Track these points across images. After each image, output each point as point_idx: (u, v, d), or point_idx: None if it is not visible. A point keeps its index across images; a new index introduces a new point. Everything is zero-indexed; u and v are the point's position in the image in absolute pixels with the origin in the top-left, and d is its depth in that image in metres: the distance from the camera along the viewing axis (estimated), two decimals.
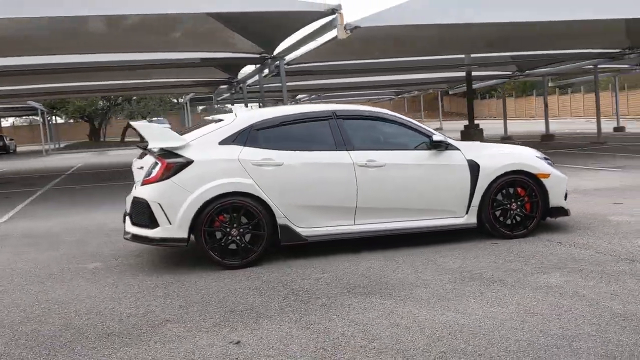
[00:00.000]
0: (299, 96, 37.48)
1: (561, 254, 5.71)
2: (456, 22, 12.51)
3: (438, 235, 6.44)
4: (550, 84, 32.74)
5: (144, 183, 5.93)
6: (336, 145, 6.21)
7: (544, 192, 6.51)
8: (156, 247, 6.55)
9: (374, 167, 6.15)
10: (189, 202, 5.72)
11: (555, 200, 6.57)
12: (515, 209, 6.47)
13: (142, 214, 5.88)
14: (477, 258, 5.71)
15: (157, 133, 5.96)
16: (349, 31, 11.15)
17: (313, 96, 37.83)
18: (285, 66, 15.23)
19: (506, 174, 6.43)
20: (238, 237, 5.81)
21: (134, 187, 6.61)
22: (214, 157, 5.90)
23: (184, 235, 5.74)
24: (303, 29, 12.98)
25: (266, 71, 16.81)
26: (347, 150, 6.19)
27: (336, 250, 6.19)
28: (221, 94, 26.07)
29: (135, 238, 6.02)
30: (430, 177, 6.31)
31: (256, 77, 18.04)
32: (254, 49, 15.94)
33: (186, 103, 37.32)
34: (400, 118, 6.58)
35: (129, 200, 6.27)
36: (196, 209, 5.72)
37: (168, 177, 5.76)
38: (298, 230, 5.97)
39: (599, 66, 21.11)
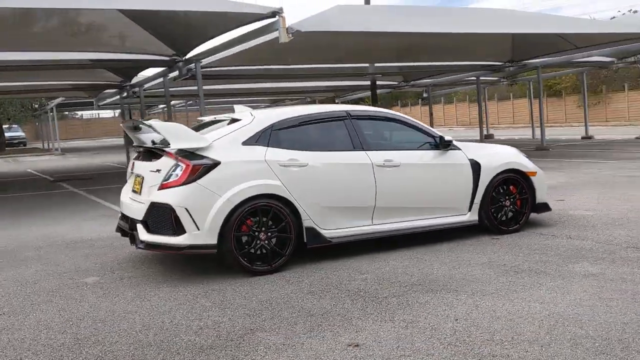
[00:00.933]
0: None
1: (567, 245, 6.11)
2: (382, 29, 12.93)
3: (432, 234, 6.58)
4: (424, 95, 34.74)
5: (163, 187, 5.51)
6: (353, 145, 6.19)
7: (532, 189, 6.95)
8: (150, 257, 6.08)
9: (390, 167, 6.21)
10: (219, 205, 5.41)
11: (540, 196, 7.04)
12: (508, 206, 6.84)
13: (164, 220, 5.46)
14: (496, 253, 5.95)
15: (180, 133, 5.58)
16: (290, 35, 11.09)
17: (190, 102, 36.70)
18: (202, 69, 14.74)
19: (502, 172, 6.78)
20: (266, 242, 5.58)
21: (130, 193, 6.12)
22: (241, 158, 5.63)
23: (214, 241, 5.41)
24: (232, 31, 12.70)
25: (174, 74, 16.21)
26: (364, 150, 6.20)
27: (346, 252, 6.15)
28: (104, 99, 24.60)
29: (154, 246, 5.57)
30: (439, 176, 6.49)
31: (159, 80, 17.27)
32: (165, 50, 15.30)
33: (52, 109, 34.61)
34: (407, 118, 6.72)
35: (135, 206, 5.79)
36: (227, 213, 5.41)
37: (194, 180, 5.40)
38: (323, 232, 5.86)
39: (481, 78, 22.76)
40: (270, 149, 5.78)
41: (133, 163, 6.36)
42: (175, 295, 5.08)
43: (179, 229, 5.38)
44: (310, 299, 4.76)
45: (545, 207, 7.12)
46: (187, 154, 5.51)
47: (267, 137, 5.84)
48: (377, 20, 13.48)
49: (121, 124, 6.89)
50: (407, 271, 5.43)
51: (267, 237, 5.58)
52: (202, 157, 5.50)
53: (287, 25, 10.94)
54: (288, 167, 5.75)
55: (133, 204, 5.93)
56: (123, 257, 6.61)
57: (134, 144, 6.71)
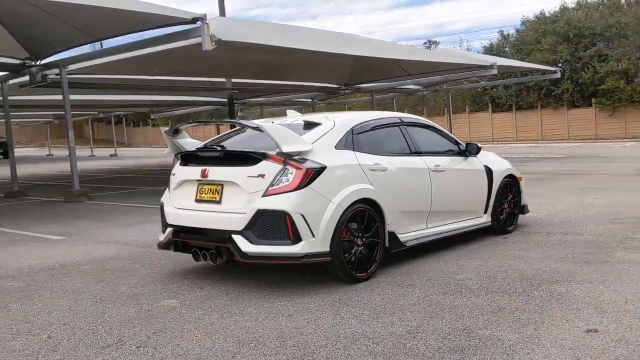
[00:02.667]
0: None
1: (578, 239, 6.89)
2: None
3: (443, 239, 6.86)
4: (240, 114, 34.95)
5: (271, 193, 5.06)
6: (410, 150, 6.33)
7: (519, 192, 7.73)
8: (213, 272, 5.50)
9: (439, 171, 6.46)
10: (331, 211, 5.15)
11: (524, 199, 7.86)
12: (507, 208, 7.52)
13: (276, 228, 5.03)
14: (534, 250, 6.49)
15: (287, 135, 5.20)
16: (214, 43, 10.63)
17: None
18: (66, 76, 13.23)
19: (505, 177, 7.44)
20: (362, 247, 5.43)
21: (194, 203, 5.48)
22: (340, 162, 5.43)
23: (327, 248, 5.13)
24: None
25: (22, 79, 14.33)
26: (419, 155, 6.36)
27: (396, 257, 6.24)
28: None
29: (262, 258, 5.09)
30: (468, 180, 6.92)
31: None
32: (15, 52, 13.48)
33: None
34: (438, 126, 7.03)
35: (218, 217, 5.22)
36: (338, 218, 5.17)
37: (307, 185, 5.09)
38: (400, 236, 5.88)
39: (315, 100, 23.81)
40: (357, 153, 5.67)
41: (182, 169, 5.77)
42: (303, 306, 4.71)
43: (295, 237, 4.99)
44: (466, 298, 4.79)
45: (526, 209, 7.95)
46: (294, 158, 5.14)
47: (351, 141, 5.72)
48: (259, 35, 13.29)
49: (165, 131, 6.09)
50: (501, 270, 5.65)
51: (362, 243, 5.44)
52: (310, 160, 5.19)
53: (210, 33, 10.49)
54: (375, 172, 5.69)
55: (209, 215, 5.32)
56: (182, 273, 5.81)
57: (170, 149, 6.02)
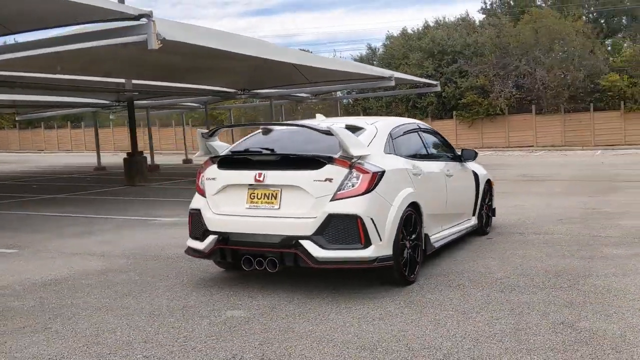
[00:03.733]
0: None
1: (557, 240, 7.48)
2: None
3: None
4: (111, 117, 33.02)
5: (339, 197, 4.99)
6: (428, 155, 6.53)
7: (492, 196, 8.27)
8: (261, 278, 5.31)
9: (450, 175, 6.74)
10: (393, 214, 5.20)
11: (494, 203, 8.40)
12: (485, 211, 8.00)
13: (347, 232, 4.97)
14: (530, 249, 6.96)
15: (352, 139, 5.13)
16: (160, 41, 10.09)
17: None
18: None
19: (485, 182, 7.92)
20: (410, 250, 5.53)
21: (244, 209, 5.25)
22: (393, 166, 5.49)
23: (390, 252, 5.15)
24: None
25: None
26: (434, 160, 6.59)
27: None
28: None
29: (335, 263, 5.02)
30: (465, 184, 7.27)
31: None
32: None
33: None
34: (440, 133, 7.28)
35: (281, 222, 5.05)
36: (398, 221, 5.23)
37: (373, 189, 5.09)
38: (430, 238, 6.05)
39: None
40: (400, 157, 5.74)
41: (224, 173, 5.50)
42: (382, 310, 4.71)
43: (366, 241, 4.96)
44: (527, 295, 5.06)
45: (495, 212, 8.50)
46: (360, 162, 5.11)
47: (392, 145, 5.80)
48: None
49: (201, 133, 5.68)
50: (527, 268, 6.00)
51: (409, 245, 5.53)
52: (372, 165, 5.18)
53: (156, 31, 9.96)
54: (416, 176, 5.80)
55: (266, 221, 5.12)
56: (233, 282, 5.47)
57: (202, 152, 5.70)
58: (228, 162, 5.57)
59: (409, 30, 41.12)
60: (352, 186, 5.04)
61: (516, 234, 7.93)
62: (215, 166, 5.57)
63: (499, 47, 35.18)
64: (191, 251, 5.64)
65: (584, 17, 40.03)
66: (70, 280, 6.05)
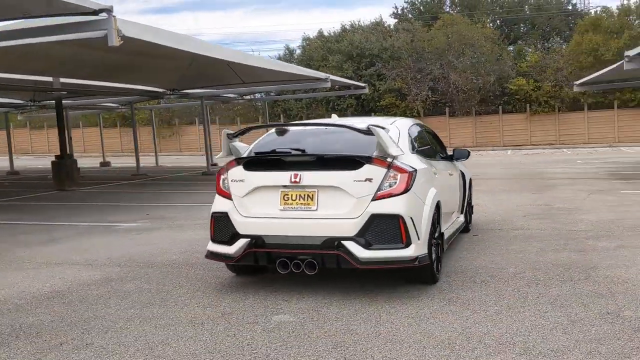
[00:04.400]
0: None
1: (539, 235, 7.81)
2: None
3: None
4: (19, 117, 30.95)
5: (380, 197, 4.98)
6: (435, 154, 6.63)
7: (471, 194, 8.53)
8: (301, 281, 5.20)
9: (451, 174, 6.88)
10: (427, 213, 5.26)
11: (472, 200, 8.67)
12: (467, 208, 8.23)
13: (390, 232, 4.96)
14: (522, 244, 7.23)
15: (388, 140, 5.09)
16: (120, 38, 9.61)
17: None
18: None
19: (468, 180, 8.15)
20: (435, 249, 5.59)
21: (278, 211, 5.11)
22: (420, 165, 5.53)
23: (427, 251, 5.17)
24: None
25: None
26: (440, 159, 6.70)
27: None
28: None
29: (378, 263, 4.98)
30: (458, 183, 7.43)
31: None
32: None
33: None
34: (434, 132, 7.40)
35: (319, 223, 4.98)
36: (431, 220, 5.29)
37: (410, 188, 5.10)
38: (444, 237, 6.14)
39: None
40: (420, 156, 5.78)
41: (253, 175, 5.31)
42: (433, 308, 4.75)
43: (407, 241, 4.97)
44: (553, 289, 5.24)
45: (473, 209, 8.76)
46: (396, 162, 5.10)
47: (413, 145, 5.82)
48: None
49: (227, 133, 5.42)
50: (534, 262, 6.22)
51: (434, 244, 5.60)
52: (406, 164, 5.19)
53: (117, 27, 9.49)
54: (435, 175, 5.87)
55: (303, 222, 5.02)
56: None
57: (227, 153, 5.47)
58: (255, 163, 5.39)
59: (326, 33, 41.58)
60: (391, 186, 5.03)
61: (496, 230, 8.22)
62: (240, 168, 5.37)
63: (416, 51, 36.29)
64: (215, 256, 5.41)
65: (489, 24, 42.14)
66: (73, 291, 5.62)
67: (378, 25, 42.29)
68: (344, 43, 37.79)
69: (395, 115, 35.76)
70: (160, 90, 20.95)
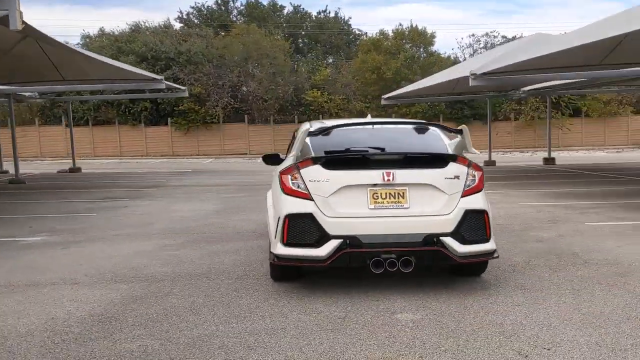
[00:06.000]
0: None
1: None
2: None
3: None
4: None
5: (466, 193, 5.12)
6: None
7: None
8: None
9: None
10: (490, 210, 5.44)
11: None
12: None
13: (477, 228, 5.12)
14: (499, 237, 7.82)
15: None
16: (22, 21, 8.12)
17: None
18: None
19: None
20: None
21: (367, 210, 4.93)
22: None
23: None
24: None
25: None
26: None
27: None
28: None
29: (473, 257, 5.05)
30: None
31: None
32: None
33: None
34: None
35: (412, 220, 4.95)
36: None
37: (483, 185, 5.29)
38: None
39: None
40: None
41: (339, 174, 5.02)
42: (518, 299, 5.01)
43: (489, 235, 5.16)
44: (580, 270, 5.82)
45: None
46: (473, 161, 5.24)
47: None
48: None
49: (310, 131, 4.86)
50: (527, 250, 6.74)
51: None
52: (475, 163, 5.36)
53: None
54: None
55: (397, 220, 4.92)
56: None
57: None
58: (336, 162, 5.10)
59: (108, 30, 39.15)
60: (472, 183, 5.17)
61: None
62: (318, 167, 5.02)
63: (215, 56, 36.04)
64: (295, 260, 4.98)
65: (278, 36, 43.67)
66: (107, 314, 4.67)
67: (167, 28, 41.12)
68: (138, 44, 35.96)
69: (194, 121, 35.16)
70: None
